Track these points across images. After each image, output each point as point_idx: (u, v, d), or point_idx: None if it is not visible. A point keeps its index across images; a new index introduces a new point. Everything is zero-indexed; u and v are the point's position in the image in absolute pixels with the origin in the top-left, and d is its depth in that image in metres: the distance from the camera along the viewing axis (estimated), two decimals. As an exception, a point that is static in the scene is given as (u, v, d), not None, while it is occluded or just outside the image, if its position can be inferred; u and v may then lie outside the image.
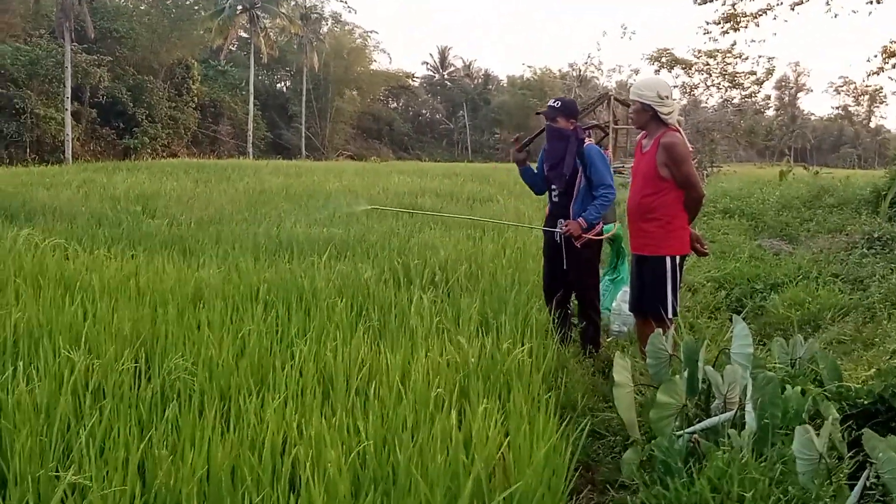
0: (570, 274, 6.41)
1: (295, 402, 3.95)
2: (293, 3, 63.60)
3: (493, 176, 26.38)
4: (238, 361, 4.51)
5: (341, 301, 6.11)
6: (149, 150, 51.91)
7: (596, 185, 6.31)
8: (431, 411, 3.82)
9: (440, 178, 25.18)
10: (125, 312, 5.40)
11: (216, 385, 4.16)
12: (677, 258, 5.64)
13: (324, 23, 71.22)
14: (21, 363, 4.18)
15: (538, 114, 6.84)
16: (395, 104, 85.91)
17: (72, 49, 46.69)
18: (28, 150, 46.78)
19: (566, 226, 6.28)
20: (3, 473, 3.07)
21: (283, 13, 60.44)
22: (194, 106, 58.35)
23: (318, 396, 4.06)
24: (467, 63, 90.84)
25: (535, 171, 6.75)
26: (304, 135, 66.32)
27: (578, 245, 6.26)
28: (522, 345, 5.08)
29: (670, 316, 5.62)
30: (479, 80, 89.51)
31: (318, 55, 64.58)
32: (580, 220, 6.24)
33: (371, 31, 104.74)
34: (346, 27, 74.06)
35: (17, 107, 45.98)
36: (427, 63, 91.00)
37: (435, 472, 3.07)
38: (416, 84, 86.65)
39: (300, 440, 3.41)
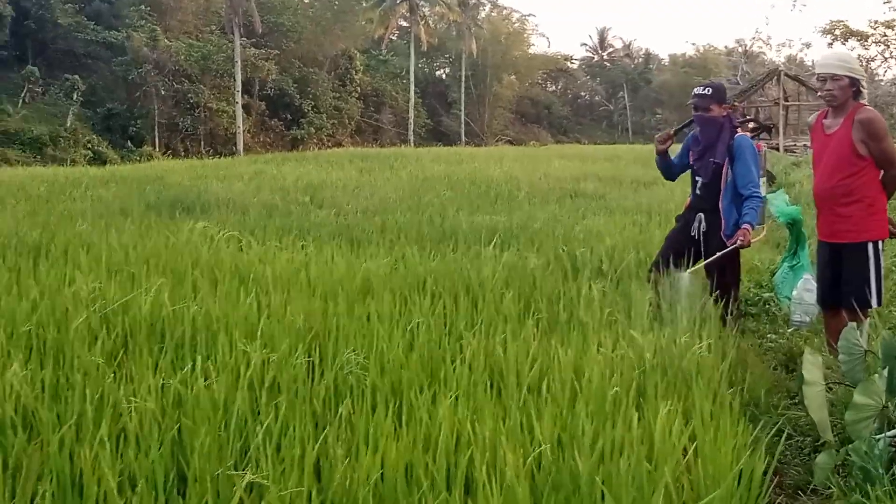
0: (715, 275, 6.00)
1: (466, 398, 3.87)
2: (452, -10, 64.03)
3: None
4: (408, 355, 4.46)
5: (508, 292, 6.00)
6: (315, 141, 53.42)
7: (745, 184, 5.87)
8: (609, 411, 3.66)
9: (602, 161, 24.77)
10: (298, 305, 5.47)
11: (388, 380, 4.13)
12: (880, 243, 5.24)
13: (482, 8, 71.45)
14: (199, 357, 4.26)
15: (689, 104, 6.43)
16: (554, 87, 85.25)
17: (241, 44, 48.53)
18: (202, 142, 49.03)
19: (740, 238, 5.80)
20: (184, 471, 3.11)
21: (443, 1, 60.85)
22: (357, 96, 59.68)
23: (490, 394, 3.97)
24: (627, 43, 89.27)
25: (673, 159, 6.38)
26: (463, 121, 66.71)
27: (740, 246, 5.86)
28: (700, 339, 4.83)
29: (875, 306, 5.24)
30: (640, 60, 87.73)
31: (476, 41, 64.75)
32: (745, 226, 5.80)
33: (528, 15, 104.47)
34: (504, 12, 74.01)
35: (192, 101, 48.25)
36: (586, 44, 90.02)
37: (619, 481, 2.91)
38: (575, 66, 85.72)
39: (474, 440, 3.32)
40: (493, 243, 8.45)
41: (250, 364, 4.12)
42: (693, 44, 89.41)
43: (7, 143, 40.90)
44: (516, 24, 74.39)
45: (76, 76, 46.85)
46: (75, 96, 46.00)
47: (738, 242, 5.82)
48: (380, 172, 20.48)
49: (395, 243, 8.98)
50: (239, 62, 48.39)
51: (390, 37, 63.29)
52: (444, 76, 76.71)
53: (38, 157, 39.53)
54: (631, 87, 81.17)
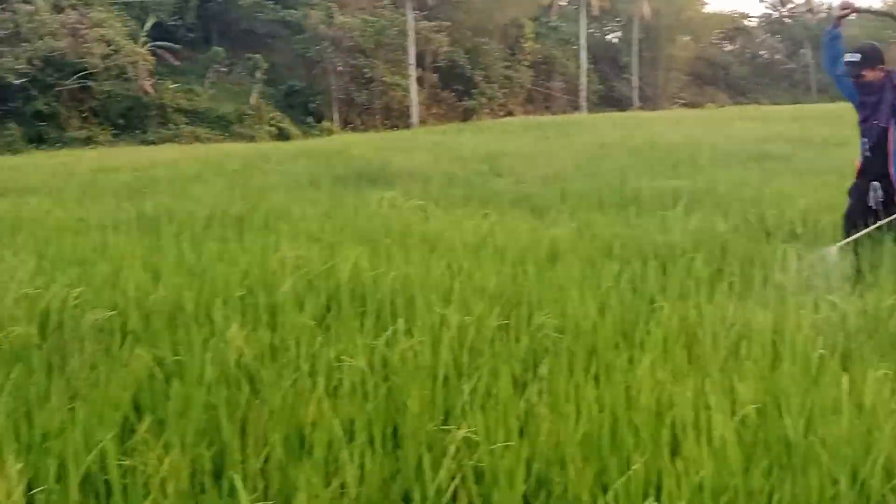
0: None
1: (664, 361, 3.88)
2: (623, -49, 62.64)
3: (846, 116, 24.42)
4: (601, 319, 4.50)
5: (698, 256, 5.92)
6: (486, 111, 53.67)
7: None
8: (814, 375, 3.58)
9: (786, 121, 23.75)
10: (488, 270, 5.59)
11: (582, 343, 4.18)
12: None
13: (654, -31, 69.48)
14: (400, 320, 4.44)
15: (839, 74, 6.03)
16: (731, 47, 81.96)
17: (413, 17, 49.25)
18: (378, 115, 50.19)
19: None
20: (395, 427, 3.27)
21: (614, -37, 59.70)
22: (528, 64, 59.48)
23: (688, 356, 3.96)
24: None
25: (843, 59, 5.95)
26: (636, 85, 65.37)
27: None
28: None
29: None
30: (823, 15, 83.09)
31: (648, 2, 63.16)
32: None
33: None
34: (678, -30, 71.72)
35: (367, 76, 49.43)
36: (765, 1, 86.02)
37: (835, 446, 2.86)
38: (753, 24, 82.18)
39: (677, 401, 3.32)
40: (681, 206, 8.32)
41: (449, 326, 4.26)
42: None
43: (197, 121, 43.19)
44: (691, -17, 72.04)
45: (258, 55, 48.83)
46: (258, 75, 47.96)
47: None
48: (555, 140, 20.43)
49: (576, 210, 9.00)
50: (412, 35, 49.16)
51: (560, 3, 62.53)
52: (615, 40, 75.20)
53: (226, 133, 41.60)
54: (814, 44, 76.98)
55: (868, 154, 5.84)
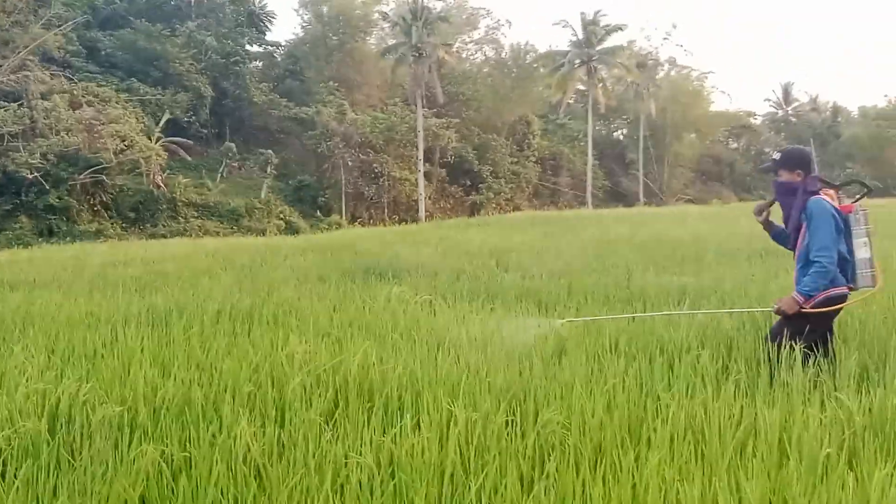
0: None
1: (670, 459, 3.88)
2: (629, 51, 63.97)
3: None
4: (609, 415, 4.51)
5: (705, 353, 5.94)
6: (493, 205, 54.26)
7: (812, 247, 5.54)
8: (821, 473, 3.58)
9: (791, 218, 23.85)
10: (495, 365, 5.62)
11: (589, 440, 4.18)
12: None
13: (660, 68, 70.92)
14: (408, 415, 4.46)
15: (759, 170, 6.20)
16: (736, 144, 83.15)
17: (423, 114, 50.23)
18: (386, 209, 50.77)
19: (777, 304, 5.62)
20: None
21: (620, 63, 60.91)
22: (535, 160, 60.41)
23: (694, 454, 3.96)
24: (812, 97, 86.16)
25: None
26: (641, 181, 66.10)
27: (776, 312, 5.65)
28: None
29: None
30: (827, 114, 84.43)
31: (654, 101, 64.32)
32: (795, 294, 5.54)
33: (708, 73, 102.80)
34: (683, 71, 73.15)
35: (376, 171, 50.19)
36: (769, 100, 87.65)
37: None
38: (758, 122, 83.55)
39: (684, 500, 3.32)
40: (686, 304, 8.37)
41: (456, 422, 4.27)
42: (886, 96, 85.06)
43: (208, 214, 43.77)
44: (696, 83, 73.38)
45: (270, 151, 49.78)
46: (269, 169, 48.78)
47: (773, 308, 5.68)
48: (562, 235, 20.59)
49: (582, 305, 9.05)
50: (421, 132, 50.09)
51: (567, 101, 63.75)
52: (621, 137, 76.40)
53: (235, 227, 42.10)
54: (819, 142, 78.09)
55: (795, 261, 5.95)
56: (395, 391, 5.04)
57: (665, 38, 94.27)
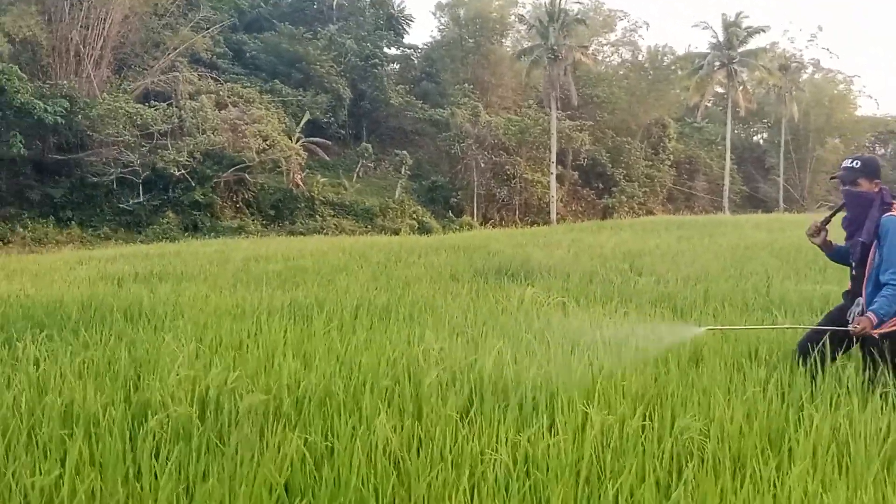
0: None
1: (813, 470, 3.78)
2: (771, 54, 61.98)
3: None
4: (747, 424, 4.42)
5: (850, 364, 5.74)
6: (626, 209, 53.57)
7: (885, 268, 5.23)
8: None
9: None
10: (630, 369, 5.58)
11: (727, 448, 4.11)
12: None
13: (803, 71, 68.51)
14: (543, 416, 4.48)
15: (832, 178, 5.83)
16: (883, 150, 79.52)
17: (557, 116, 50.05)
18: (517, 211, 50.80)
19: (856, 324, 5.24)
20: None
21: (762, 66, 59.04)
22: (670, 163, 59.34)
23: (838, 466, 3.85)
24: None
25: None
26: (781, 186, 63.99)
27: (876, 335, 5.24)
28: None
29: None
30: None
31: (797, 104, 62.15)
32: (870, 314, 5.19)
33: (854, 76, 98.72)
34: (828, 74, 70.46)
35: (508, 172, 50.30)
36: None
37: None
38: (906, 127, 79.64)
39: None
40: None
41: (592, 424, 4.27)
42: None
43: (343, 213, 44.76)
44: (841, 86, 70.54)
45: (405, 151, 50.52)
46: (403, 170, 49.49)
47: (853, 328, 5.29)
48: (698, 240, 20.15)
49: (718, 311, 8.86)
50: (555, 134, 49.89)
51: (706, 104, 62.31)
52: (761, 141, 74.18)
53: (369, 226, 42.91)
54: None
55: (854, 273, 5.61)
56: (530, 392, 5.06)
57: (810, 41, 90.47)
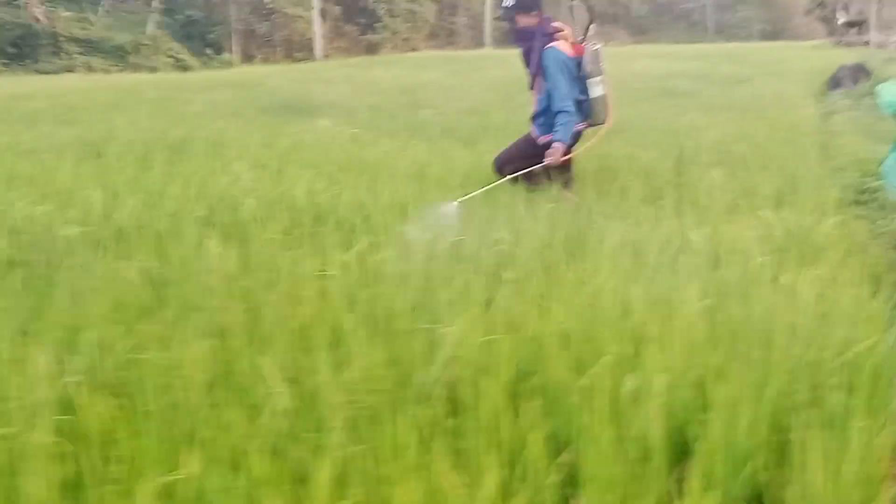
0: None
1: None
2: None
3: (748, 56, 25.24)
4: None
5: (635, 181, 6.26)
6: (390, 45, 53.33)
7: (553, 99, 5.78)
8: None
9: (689, 60, 24.32)
10: (432, 195, 5.86)
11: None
12: None
13: None
14: (364, 236, 4.68)
15: (495, 19, 6.32)
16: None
17: (316, -54, 48.34)
18: (279, 48, 49.43)
19: (549, 158, 5.75)
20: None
21: None
22: (431, -1, 59.20)
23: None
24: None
25: None
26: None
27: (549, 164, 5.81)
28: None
29: None
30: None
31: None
32: (557, 145, 5.74)
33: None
34: None
35: (268, 7, 48.52)
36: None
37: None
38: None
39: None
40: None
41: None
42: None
43: (92, 51, 41.75)
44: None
45: (154, -17, 47.43)
46: (154, 4, 46.56)
47: (549, 163, 5.78)
48: (467, 74, 20.57)
49: (504, 142, 9.28)
50: (315, -35, 48.38)
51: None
52: (517, -23, 75.12)
53: (123, 64, 40.37)
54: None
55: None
56: (347, 216, 5.21)
57: None
